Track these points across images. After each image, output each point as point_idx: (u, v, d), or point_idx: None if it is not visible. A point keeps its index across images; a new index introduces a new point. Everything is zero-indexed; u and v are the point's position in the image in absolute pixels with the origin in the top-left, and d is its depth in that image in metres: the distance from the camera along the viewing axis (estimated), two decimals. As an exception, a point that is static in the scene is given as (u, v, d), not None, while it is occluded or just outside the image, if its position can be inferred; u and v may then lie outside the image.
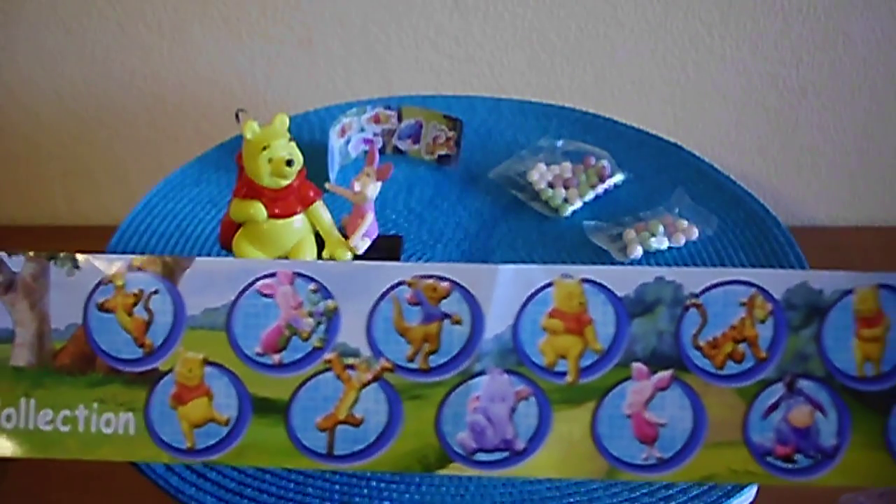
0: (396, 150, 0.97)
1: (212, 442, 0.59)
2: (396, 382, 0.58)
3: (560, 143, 0.95)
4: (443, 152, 0.95)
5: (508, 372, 0.58)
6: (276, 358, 0.59)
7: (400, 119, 0.96)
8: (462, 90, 1.39)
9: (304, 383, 0.59)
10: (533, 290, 0.59)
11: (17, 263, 0.60)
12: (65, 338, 0.60)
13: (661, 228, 0.84)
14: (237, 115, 0.68)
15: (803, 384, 0.58)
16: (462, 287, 0.59)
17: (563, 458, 0.58)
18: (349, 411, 0.58)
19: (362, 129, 0.96)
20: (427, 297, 0.59)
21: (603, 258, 0.83)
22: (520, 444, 0.58)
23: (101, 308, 0.60)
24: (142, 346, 0.59)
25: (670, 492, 0.64)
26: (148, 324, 0.59)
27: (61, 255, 0.60)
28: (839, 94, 1.42)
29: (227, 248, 0.74)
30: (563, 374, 0.58)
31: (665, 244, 0.84)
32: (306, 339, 0.59)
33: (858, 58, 1.38)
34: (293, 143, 0.69)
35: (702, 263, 0.83)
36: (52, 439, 0.59)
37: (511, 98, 1.07)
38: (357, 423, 0.58)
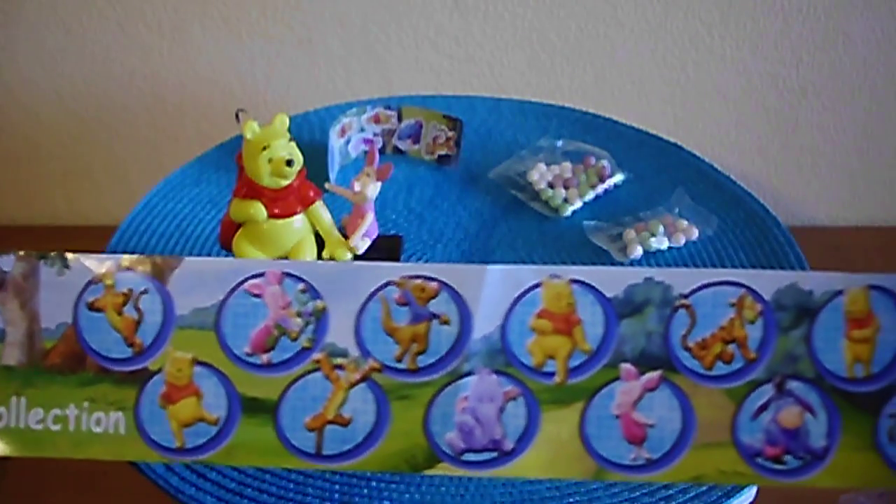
0: (396, 150, 0.97)
1: (201, 441, 0.59)
2: (384, 382, 0.58)
3: (560, 143, 0.95)
4: (443, 152, 0.95)
5: (497, 372, 0.58)
6: (264, 358, 0.59)
7: (400, 119, 0.96)
8: (462, 90, 1.39)
9: (292, 383, 0.59)
10: (521, 291, 0.59)
11: (8, 263, 0.60)
12: (55, 337, 0.60)
13: (661, 228, 0.84)
14: (237, 115, 0.68)
15: (793, 385, 0.57)
16: (450, 287, 0.59)
17: (551, 459, 0.58)
18: (337, 411, 0.58)
19: (362, 129, 0.96)
20: (415, 298, 0.59)
21: (603, 258, 0.83)
22: (508, 445, 0.58)
23: (91, 307, 0.60)
24: (131, 345, 0.59)
25: (670, 492, 0.64)
26: (137, 323, 0.59)
27: (51, 254, 0.60)
28: (839, 94, 1.41)
29: (227, 248, 0.74)
30: (552, 374, 0.58)
31: (665, 244, 0.84)
32: (295, 339, 0.59)
33: (858, 58, 1.38)
34: (293, 143, 0.69)
35: (702, 263, 0.83)
36: (42, 438, 0.59)
37: (511, 98, 1.07)
38: (345, 423, 0.58)
